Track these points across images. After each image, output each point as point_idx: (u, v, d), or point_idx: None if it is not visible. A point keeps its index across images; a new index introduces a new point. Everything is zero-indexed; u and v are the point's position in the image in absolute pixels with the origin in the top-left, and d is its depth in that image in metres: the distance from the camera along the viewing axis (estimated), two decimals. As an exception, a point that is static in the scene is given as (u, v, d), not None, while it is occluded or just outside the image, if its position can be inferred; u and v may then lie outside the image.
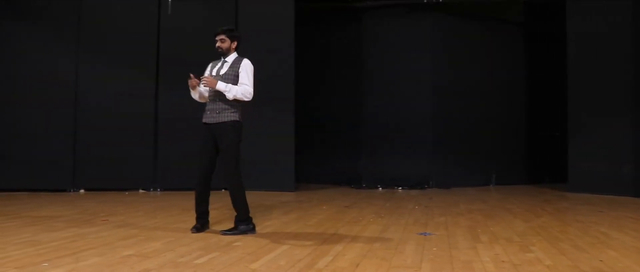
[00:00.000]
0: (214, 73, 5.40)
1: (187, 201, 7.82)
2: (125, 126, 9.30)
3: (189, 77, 5.37)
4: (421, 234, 5.21)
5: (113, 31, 9.41)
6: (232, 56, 5.44)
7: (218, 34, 5.41)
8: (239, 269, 3.74)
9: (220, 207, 6.92)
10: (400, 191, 10.00)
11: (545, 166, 11.73)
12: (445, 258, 4.13)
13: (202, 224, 5.33)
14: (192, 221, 5.45)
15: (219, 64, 5.44)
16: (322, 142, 11.58)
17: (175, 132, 9.46)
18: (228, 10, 9.80)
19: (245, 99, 5.36)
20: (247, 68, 5.37)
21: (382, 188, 10.27)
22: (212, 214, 5.76)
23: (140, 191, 9.28)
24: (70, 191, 9.08)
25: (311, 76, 11.45)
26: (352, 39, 11.47)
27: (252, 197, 8.39)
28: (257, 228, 5.42)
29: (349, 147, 11.29)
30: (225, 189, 5.70)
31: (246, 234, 5.14)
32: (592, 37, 9.50)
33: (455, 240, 4.91)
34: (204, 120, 5.44)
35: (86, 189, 9.13)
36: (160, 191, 9.37)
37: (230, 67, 5.35)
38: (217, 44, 5.41)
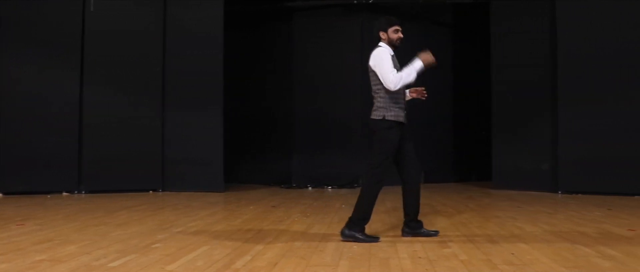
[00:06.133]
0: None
1: (113, 203, 7.67)
2: (48, 127, 8.98)
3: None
4: (344, 232, 5.26)
5: (38, 29, 9.04)
6: None
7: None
8: (154, 271, 3.68)
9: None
10: (329, 190, 10.07)
11: (472, 164, 12.04)
12: (364, 256, 4.19)
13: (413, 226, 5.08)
14: (115, 223, 5.33)
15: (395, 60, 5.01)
16: (253, 142, 11.54)
17: (102, 133, 9.23)
18: (156, 10, 9.63)
19: None
20: None
21: (312, 187, 10.32)
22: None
23: (64, 193, 8.98)
24: (-13, 195, 8.72)
25: (243, 76, 11.39)
26: (283, 39, 11.47)
27: (180, 199, 8.34)
28: (181, 229, 5.34)
29: (281, 147, 11.29)
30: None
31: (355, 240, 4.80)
32: (514, 38, 9.82)
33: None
34: (402, 120, 4.92)
35: (5, 193, 8.73)
36: (86, 193, 9.10)
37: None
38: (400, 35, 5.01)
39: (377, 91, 4.91)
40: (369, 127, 4.98)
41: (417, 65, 4.86)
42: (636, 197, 8.25)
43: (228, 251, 4.35)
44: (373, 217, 6.30)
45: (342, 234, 4.85)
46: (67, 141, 9.12)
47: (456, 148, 12.11)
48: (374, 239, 4.83)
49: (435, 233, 5.05)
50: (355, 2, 10.93)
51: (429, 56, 4.88)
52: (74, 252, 4.25)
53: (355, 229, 4.82)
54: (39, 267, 3.76)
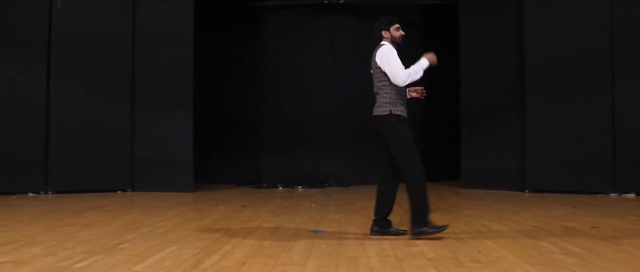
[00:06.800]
0: None
1: (80, 204, 7.56)
2: (13, 126, 8.82)
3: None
4: (313, 231, 5.28)
5: (2, 26, 8.88)
6: None
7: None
8: (121, 271, 3.65)
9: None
10: (300, 189, 10.07)
11: (441, 163, 12.13)
12: (333, 254, 4.20)
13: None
14: (82, 224, 5.26)
15: None
16: (224, 142, 11.49)
17: (70, 133, 9.09)
18: (125, 9, 9.52)
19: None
20: None
21: (283, 187, 10.30)
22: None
23: (30, 194, 8.82)
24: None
25: (214, 76, 11.32)
26: (254, 38, 11.44)
27: (149, 199, 8.27)
28: (150, 229, 5.29)
29: (251, 147, 11.26)
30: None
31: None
32: (482, 39, 9.94)
33: (345, 237, 5.01)
34: (406, 116, 5.03)
35: (-32, 194, 8.59)
36: (52, 193, 8.96)
37: None
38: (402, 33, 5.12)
39: (382, 88, 4.97)
40: (374, 124, 5.04)
41: (424, 63, 4.99)
42: (599, 195, 8.43)
43: (196, 250, 4.33)
44: (341, 216, 6.38)
45: (412, 233, 4.87)
46: (33, 141, 8.96)
47: (426, 148, 12.17)
48: (443, 228, 4.87)
49: (403, 232, 5.09)
50: (326, 2, 10.96)
51: (434, 57, 5.03)
52: (39, 254, 4.19)
53: (422, 225, 4.84)
54: (2, 269, 3.70)
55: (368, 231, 5.16)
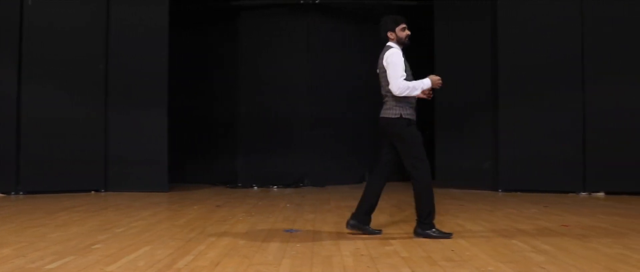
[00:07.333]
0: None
1: (52, 204, 7.46)
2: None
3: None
4: (287, 231, 5.29)
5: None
6: None
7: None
8: (93, 272, 3.63)
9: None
10: (275, 189, 10.06)
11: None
12: (307, 254, 4.22)
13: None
14: (54, 224, 5.20)
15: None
16: (199, 141, 11.42)
17: (41, 132, 8.92)
18: (98, 6, 9.38)
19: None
20: None
21: (258, 187, 10.28)
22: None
23: (0, 195, 8.67)
24: None
25: (189, 75, 11.24)
26: (229, 38, 11.40)
27: (122, 199, 8.19)
28: (123, 229, 5.24)
29: (226, 146, 11.23)
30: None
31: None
32: (456, 39, 10.03)
33: (320, 236, 5.03)
34: (415, 118, 5.03)
35: None
36: (24, 194, 8.81)
37: None
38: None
39: (390, 90, 4.94)
40: (382, 126, 5.03)
41: (425, 84, 4.95)
42: (570, 194, 8.57)
43: (170, 251, 4.31)
44: (316, 216, 6.40)
45: (416, 234, 4.90)
46: (3, 140, 8.79)
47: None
48: (447, 235, 4.88)
49: (379, 232, 5.11)
50: (302, 2, 10.97)
51: (438, 81, 5.00)
52: (9, 255, 4.13)
53: (427, 227, 4.87)
54: (-29, 270, 3.65)
55: (343, 230, 5.17)
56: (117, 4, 9.47)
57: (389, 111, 4.97)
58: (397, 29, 5.07)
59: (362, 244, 4.63)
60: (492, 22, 9.62)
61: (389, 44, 5.08)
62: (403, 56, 5.02)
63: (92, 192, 9.13)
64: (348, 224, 5.10)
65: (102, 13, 9.38)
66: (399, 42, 5.08)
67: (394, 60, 4.92)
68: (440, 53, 10.24)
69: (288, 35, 11.13)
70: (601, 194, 8.52)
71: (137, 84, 9.35)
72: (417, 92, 4.91)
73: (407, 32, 5.09)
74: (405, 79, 4.89)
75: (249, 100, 11.15)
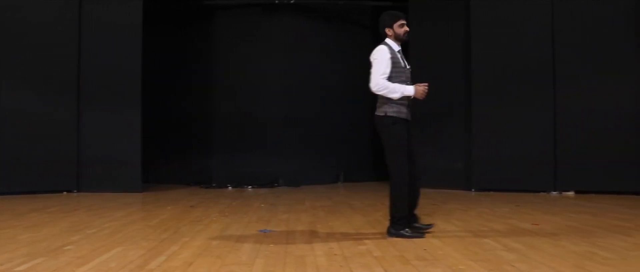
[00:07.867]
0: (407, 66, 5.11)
1: (22, 205, 7.34)
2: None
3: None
4: (261, 231, 5.28)
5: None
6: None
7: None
8: (64, 274, 3.59)
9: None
10: (249, 189, 10.04)
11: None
12: (280, 254, 4.22)
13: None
14: (24, 226, 5.12)
15: (400, 55, 5.04)
16: (173, 141, 11.33)
17: (11, 132, 8.74)
18: (70, 3, 9.22)
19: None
20: None
21: (232, 187, 10.23)
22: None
23: (-31, 196, 8.53)
24: None
25: (163, 75, 11.14)
26: (204, 37, 11.34)
27: (95, 200, 8.10)
28: (95, 230, 5.19)
29: (201, 146, 11.17)
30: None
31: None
32: (430, 40, 10.09)
33: (294, 236, 5.04)
34: (405, 117, 5.00)
35: None
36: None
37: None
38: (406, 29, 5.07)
39: None
40: (375, 125, 5.04)
41: (408, 91, 4.95)
42: (541, 193, 8.68)
43: (143, 251, 4.28)
44: (290, 216, 6.40)
45: (389, 233, 4.92)
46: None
47: (374, 147, 12.32)
48: (419, 235, 4.90)
49: (429, 226, 5.29)
50: (276, 2, 10.96)
51: (423, 92, 5.02)
52: (-22, 257, 4.07)
53: (400, 227, 4.89)
54: (-62, 272, 3.59)
55: (315, 229, 5.18)
56: (89, 2, 9.35)
57: (378, 109, 4.99)
58: (395, 26, 5.06)
59: (335, 244, 4.65)
60: (466, 23, 9.71)
61: (386, 40, 5.09)
62: (400, 53, 5.04)
63: (64, 193, 9.00)
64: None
65: (74, 10, 9.23)
66: (396, 38, 5.07)
67: (378, 57, 4.96)
68: (414, 53, 10.28)
69: (263, 35, 11.11)
70: (571, 193, 8.66)
71: (110, 84, 9.24)
72: (395, 95, 4.90)
73: (406, 28, 5.07)
74: (396, 79, 4.91)
75: (224, 100, 11.11)
